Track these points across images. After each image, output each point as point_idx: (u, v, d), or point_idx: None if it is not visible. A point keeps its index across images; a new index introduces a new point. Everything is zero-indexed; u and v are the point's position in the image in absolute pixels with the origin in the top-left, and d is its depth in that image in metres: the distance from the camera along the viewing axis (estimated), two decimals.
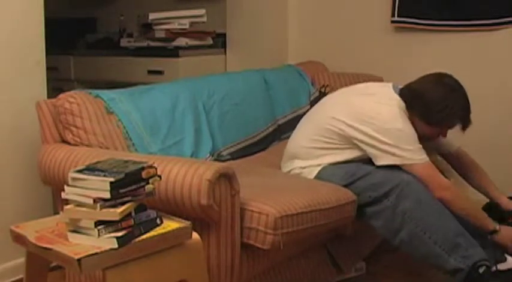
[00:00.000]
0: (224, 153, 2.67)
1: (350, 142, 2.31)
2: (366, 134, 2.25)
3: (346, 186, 2.25)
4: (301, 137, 2.47)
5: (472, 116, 2.98)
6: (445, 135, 2.38)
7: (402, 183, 2.17)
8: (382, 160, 2.24)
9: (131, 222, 1.57)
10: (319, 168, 2.35)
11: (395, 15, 3.35)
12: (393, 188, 2.16)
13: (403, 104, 2.29)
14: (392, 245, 2.23)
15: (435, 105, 2.26)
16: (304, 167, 2.39)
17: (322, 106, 2.50)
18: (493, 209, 2.55)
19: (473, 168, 2.60)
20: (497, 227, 2.24)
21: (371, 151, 2.26)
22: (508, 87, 3.11)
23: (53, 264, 1.75)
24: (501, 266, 2.22)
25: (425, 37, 3.29)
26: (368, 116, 2.25)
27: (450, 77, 2.33)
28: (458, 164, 2.60)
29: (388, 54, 3.43)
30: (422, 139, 2.30)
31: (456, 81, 2.32)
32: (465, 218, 2.21)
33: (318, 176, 2.33)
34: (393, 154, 2.22)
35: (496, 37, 3.11)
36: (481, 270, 2.09)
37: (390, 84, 2.40)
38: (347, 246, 2.43)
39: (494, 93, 3.15)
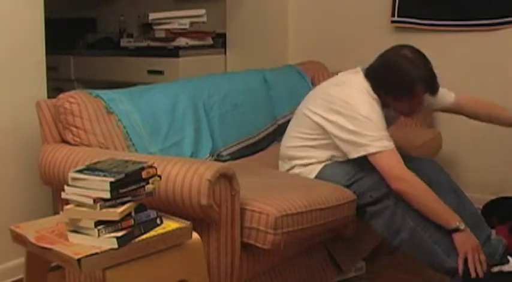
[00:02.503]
0: (224, 153, 2.67)
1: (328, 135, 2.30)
2: (335, 124, 2.23)
3: (347, 186, 2.25)
4: (286, 137, 2.49)
5: None
6: (420, 104, 2.30)
7: None
8: (351, 154, 2.22)
9: (131, 222, 1.57)
10: (319, 166, 2.35)
11: (395, 15, 3.35)
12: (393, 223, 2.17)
13: (371, 89, 2.26)
14: (392, 245, 2.23)
15: (394, 77, 2.22)
16: (302, 165, 2.40)
17: (301, 104, 2.50)
18: (500, 205, 2.57)
19: (478, 106, 2.52)
20: (462, 226, 2.11)
21: (342, 146, 2.24)
22: (509, 87, 3.12)
23: (53, 264, 1.75)
24: (504, 268, 2.21)
25: (425, 37, 3.29)
26: (338, 105, 2.23)
27: (408, 47, 2.27)
28: (461, 111, 2.55)
29: None
30: (406, 113, 2.30)
31: (414, 50, 2.25)
32: (424, 214, 2.13)
33: (319, 176, 2.34)
34: (359, 144, 2.18)
35: (496, 37, 3.11)
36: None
37: (359, 69, 2.36)
38: (347, 246, 2.43)
39: (494, 93, 3.15)
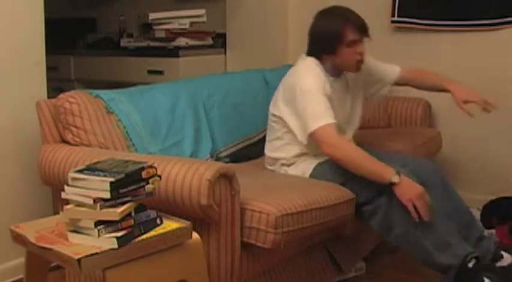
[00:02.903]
0: (223, 154, 2.67)
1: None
2: (289, 111, 2.35)
3: (341, 185, 2.27)
4: (266, 146, 2.55)
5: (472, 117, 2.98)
6: (361, 51, 2.37)
7: None
8: (302, 139, 2.31)
9: (131, 222, 1.57)
10: (312, 165, 2.38)
11: (395, 15, 3.34)
12: (386, 186, 2.17)
13: (318, 74, 2.36)
14: (389, 242, 2.25)
15: (323, 33, 2.35)
16: (287, 165, 2.44)
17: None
18: (500, 205, 2.57)
19: (419, 75, 2.67)
20: (397, 179, 2.11)
21: (297, 134, 2.33)
22: (508, 87, 3.11)
23: (53, 264, 1.75)
24: (499, 264, 2.21)
25: (425, 37, 3.29)
26: (290, 90, 2.34)
27: (330, 7, 2.42)
28: (407, 82, 2.67)
29: (388, 54, 3.41)
30: (353, 65, 2.37)
31: (335, 6, 2.42)
32: (361, 175, 2.18)
33: (313, 174, 2.36)
34: (304, 128, 2.27)
35: (496, 37, 3.10)
36: (470, 265, 2.09)
37: (303, 54, 2.47)
38: (347, 246, 2.43)
39: (493, 93, 3.15)
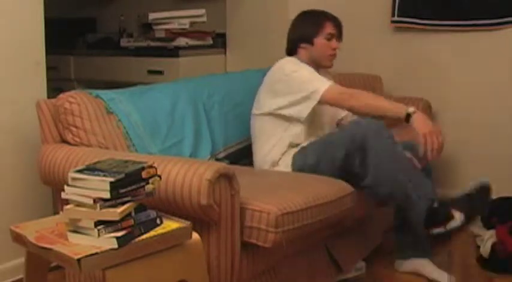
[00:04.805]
0: (222, 155, 2.67)
1: (277, 119, 2.49)
2: (277, 99, 2.47)
3: (319, 160, 2.36)
4: (255, 153, 2.60)
5: (472, 116, 2.99)
6: (336, 47, 2.59)
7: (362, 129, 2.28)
8: (304, 112, 2.42)
9: (131, 222, 1.57)
10: (289, 156, 2.45)
11: (395, 15, 3.35)
12: (356, 135, 2.26)
13: (296, 60, 2.55)
14: (381, 199, 2.34)
15: (306, 23, 2.59)
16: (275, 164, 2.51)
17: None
18: (500, 205, 2.59)
19: None
20: (411, 109, 2.25)
21: (293, 113, 2.45)
22: (508, 87, 3.12)
23: (53, 264, 1.75)
24: (450, 225, 2.25)
25: (425, 37, 3.29)
26: (271, 82, 2.52)
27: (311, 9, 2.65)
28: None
29: (388, 54, 3.43)
30: (327, 57, 2.57)
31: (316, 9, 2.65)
32: (379, 116, 2.31)
33: (295, 165, 2.43)
34: (306, 98, 2.40)
35: (496, 37, 3.11)
36: (435, 205, 2.21)
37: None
38: (347, 245, 2.43)
39: (494, 93, 3.15)
